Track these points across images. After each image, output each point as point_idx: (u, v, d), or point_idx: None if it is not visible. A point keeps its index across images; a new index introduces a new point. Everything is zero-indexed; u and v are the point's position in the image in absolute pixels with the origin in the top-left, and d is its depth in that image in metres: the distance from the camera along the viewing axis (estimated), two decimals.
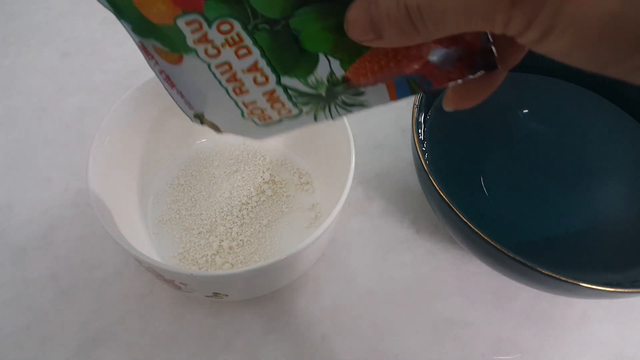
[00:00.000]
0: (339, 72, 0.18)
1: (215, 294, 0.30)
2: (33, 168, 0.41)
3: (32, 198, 0.39)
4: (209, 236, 0.36)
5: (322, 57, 0.17)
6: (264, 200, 0.38)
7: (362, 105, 0.19)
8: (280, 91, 0.19)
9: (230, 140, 0.41)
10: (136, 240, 0.33)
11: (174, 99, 0.21)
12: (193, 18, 0.17)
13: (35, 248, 0.37)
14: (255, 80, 0.19)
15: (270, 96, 0.19)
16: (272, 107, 0.20)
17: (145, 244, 0.34)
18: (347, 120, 0.33)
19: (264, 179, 0.39)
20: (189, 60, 0.18)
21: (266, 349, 0.33)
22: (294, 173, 0.40)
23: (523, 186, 0.39)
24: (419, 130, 0.36)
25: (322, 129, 0.36)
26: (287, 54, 0.18)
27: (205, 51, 0.18)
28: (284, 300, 0.35)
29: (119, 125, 0.33)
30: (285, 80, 0.18)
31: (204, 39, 0.17)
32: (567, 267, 0.29)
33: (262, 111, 0.20)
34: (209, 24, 0.17)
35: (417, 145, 0.32)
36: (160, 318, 0.34)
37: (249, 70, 0.18)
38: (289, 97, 0.19)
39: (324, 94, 0.19)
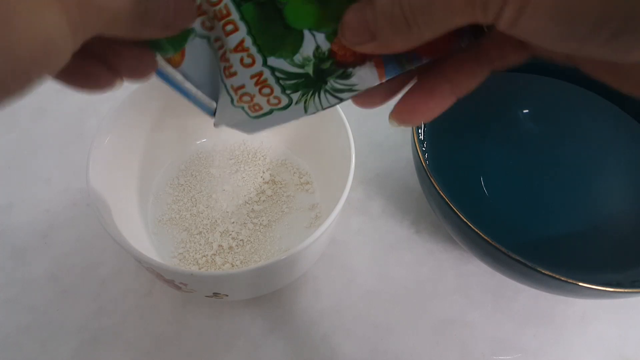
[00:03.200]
0: (325, 45, 0.17)
1: (215, 294, 0.30)
2: (33, 168, 0.41)
3: (32, 198, 0.39)
4: (209, 236, 0.36)
5: (307, 34, 0.17)
6: (264, 200, 0.38)
7: (351, 90, 0.18)
8: (267, 73, 0.18)
9: (230, 140, 0.41)
10: (136, 240, 0.33)
11: (198, 107, 0.21)
12: None
13: (35, 248, 0.37)
14: (242, 61, 0.18)
15: (258, 79, 0.19)
16: (260, 92, 0.19)
17: (145, 244, 0.34)
18: (347, 120, 0.33)
19: (264, 179, 0.39)
20: (190, 48, 0.18)
21: (266, 349, 0.33)
22: (294, 173, 0.40)
23: (523, 186, 0.39)
24: (419, 130, 0.36)
25: (322, 129, 0.36)
26: (273, 32, 0.17)
27: (203, 23, 0.18)
28: (284, 300, 0.35)
29: (119, 125, 0.33)
30: (272, 61, 0.18)
31: (199, 10, 0.17)
32: (567, 267, 0.29)
33: (251, 98, 0.19)
34: None
35: (417, 145, 0.32)
36: (160, 318, 0.34)
37: (236, 49, 0.18)
38: (277, 80, 0.19)
39: (311, 73, 0.18)
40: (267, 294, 0.34)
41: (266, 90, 0.19)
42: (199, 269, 0.34)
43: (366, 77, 0.18)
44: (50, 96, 0.46)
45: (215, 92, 0.20)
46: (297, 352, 0.33)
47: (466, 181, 0.39)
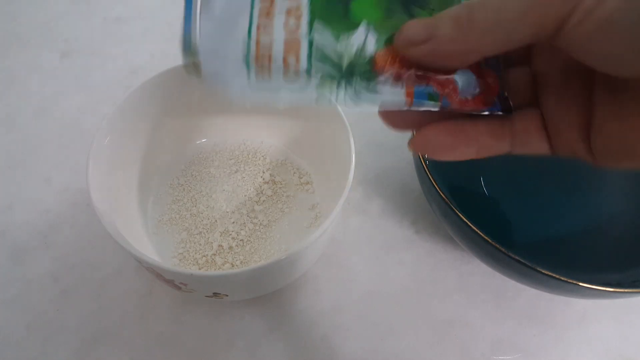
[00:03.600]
0: (371, 48, 0.18)
1: (215, 294, 0.30)
2: (33, 168, 0.41)
3: (32, 198, 0.39)
4: (209, 236, 0.36)
5: (362, 28, 0.18)
6: (264, 200, 0.38)
7: (370, 100, 0.19)
8: (304, 44, 0.18)
9: (230, 140, 0.41)
10: (136, 240, 0.33)
11: (184, 21, 0.19)
12: None
13: (35, 248, 0.37)
14: (286, 24, 0.18)
15: (292, 45, 0.18)
16: (285, 59, 0.19)
17: (145, 244, 0.34)
18: (347, 120, 0.33)
19: (264, 179, 0.39)
20: None
21: (266, 349, 0.33)
22: (294, 173, 0.40)
23: (523, 186, 0.39)
24: None
25: (322, 129, 0.36)
26: (332, 11, 0.18)
27: None
28: (284, 301, 0.35)
29: (119, 125, 0.33)
30: (316, 34, 0.18)
31: None
32: (567, 267, 0.29)
33: (269, 60, 0.19)
34: None
35: None
36: (160, 318, 0.34)
37: (288, 12, 0.18)
38: (310, 55, 0.18)
39: (344, 66, 0.18)
40: (267, 294, 0.34)
41: (291, 58, 0.19)
42: (199, 269, 0.34)
43: (392, 95, 0.18)
44: (50, 96, 0.46)
45: (210, 32, 0.19)
46: (297, 352, 0.33)
47: (466, 181, 0.39)
